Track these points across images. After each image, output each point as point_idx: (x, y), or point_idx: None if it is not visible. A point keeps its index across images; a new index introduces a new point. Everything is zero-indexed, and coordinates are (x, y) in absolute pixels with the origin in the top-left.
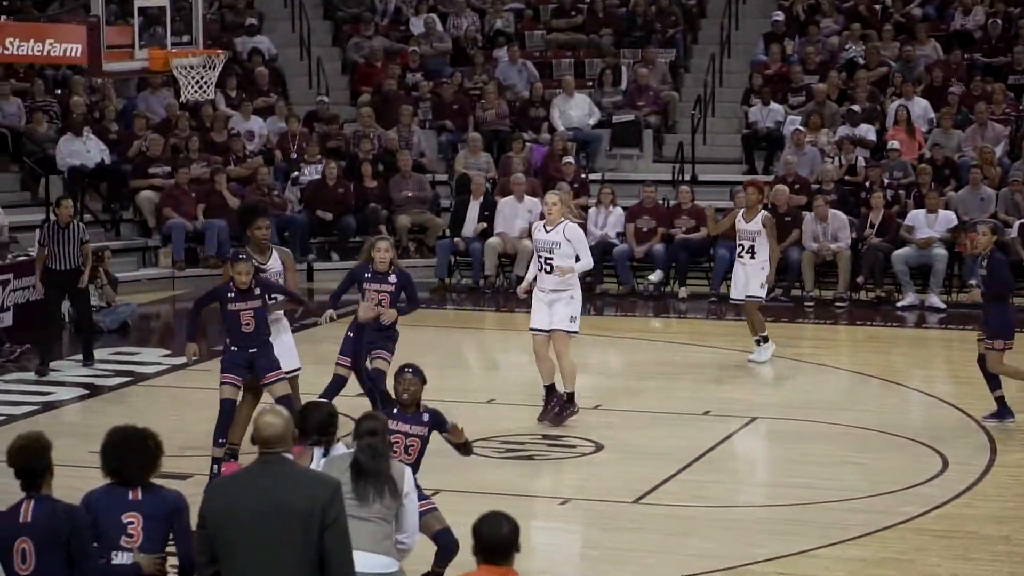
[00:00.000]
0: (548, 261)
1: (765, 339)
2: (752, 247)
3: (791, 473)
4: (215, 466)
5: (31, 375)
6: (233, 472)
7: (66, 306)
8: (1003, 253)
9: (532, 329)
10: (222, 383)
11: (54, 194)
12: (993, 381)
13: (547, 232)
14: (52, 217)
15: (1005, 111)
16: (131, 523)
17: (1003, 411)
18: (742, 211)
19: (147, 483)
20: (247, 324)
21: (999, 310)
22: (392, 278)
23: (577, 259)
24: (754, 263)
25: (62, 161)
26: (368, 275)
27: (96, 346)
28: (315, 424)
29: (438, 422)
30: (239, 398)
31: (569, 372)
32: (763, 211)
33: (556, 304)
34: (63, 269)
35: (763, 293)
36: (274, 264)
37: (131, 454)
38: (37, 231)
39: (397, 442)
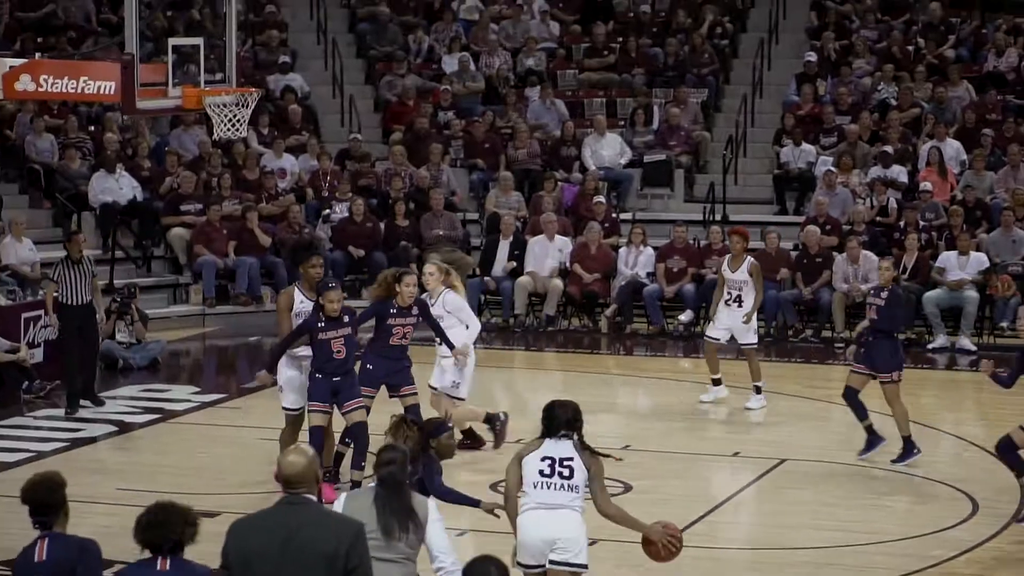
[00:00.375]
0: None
1: (759, 389)
2: (740, 296)
3: (820, 515)
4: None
5: (61, 411)
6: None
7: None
8: (902, 289)
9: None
10: (311, 411)
11: (87, 231)
12: (861, 410)
13: (431, 306)
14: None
15: None
16: None
17: (874, 440)
18: (727, 259)
19: (178, 554)
20: (338, 352)
21: (892, 346)
22: (414, 310)
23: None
24: (740, 311)
25: (94, 198)
26: (393, 311)
27: (126, 383)
28: (563, 420)
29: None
30: (328, 424)
31: (459, 418)
32: (749, 258)
33: (447, 368)
34: (77, 304)
35: (755, 339)
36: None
37: (170, 528)
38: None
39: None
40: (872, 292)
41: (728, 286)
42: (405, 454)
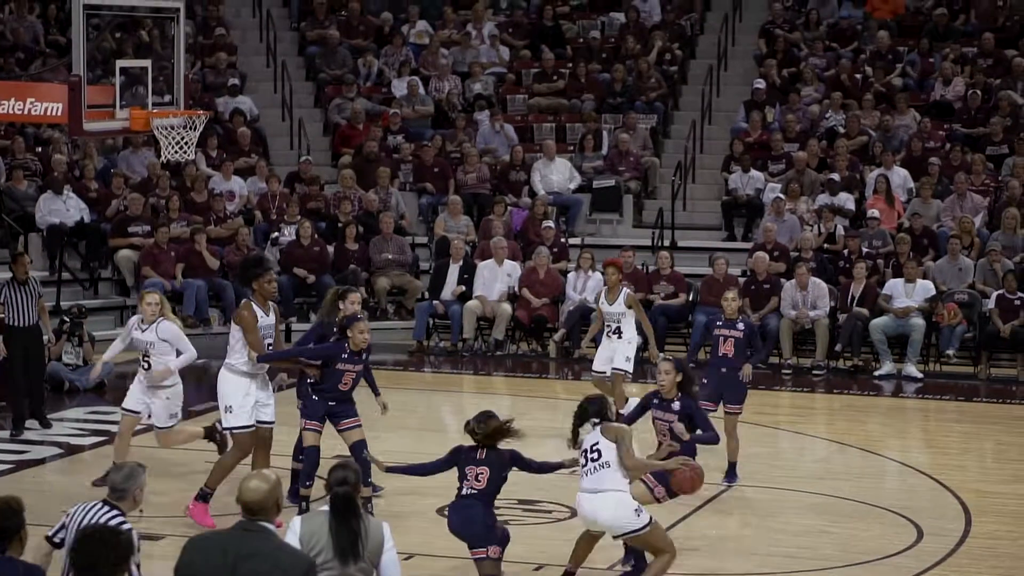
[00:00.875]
0: (146, 359)
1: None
2: (619, 328)
3: (767, 542)
4: (303, 503)
5: (6, 433)
6: (214, 531)
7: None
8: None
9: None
10: (306, 429)
11: (33, 253)
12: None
13: (143, 332)
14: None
15: (984, 182)
16: None
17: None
18: (604, 291)
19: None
20: (345, 384)
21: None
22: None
23: (179, 353)
24: (621, 341)
25: (41, 219)
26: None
27: (72, 405)
28: (595, 410)
29: None
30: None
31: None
32: (626, 289)
33: (155, 401)
34: (24, 326)
35: (629, 367)
36: (272, 318)
37: (103, 552)
38: None
39: None
40: (724, 324)
41: (606, 319)
42: (357, 473)
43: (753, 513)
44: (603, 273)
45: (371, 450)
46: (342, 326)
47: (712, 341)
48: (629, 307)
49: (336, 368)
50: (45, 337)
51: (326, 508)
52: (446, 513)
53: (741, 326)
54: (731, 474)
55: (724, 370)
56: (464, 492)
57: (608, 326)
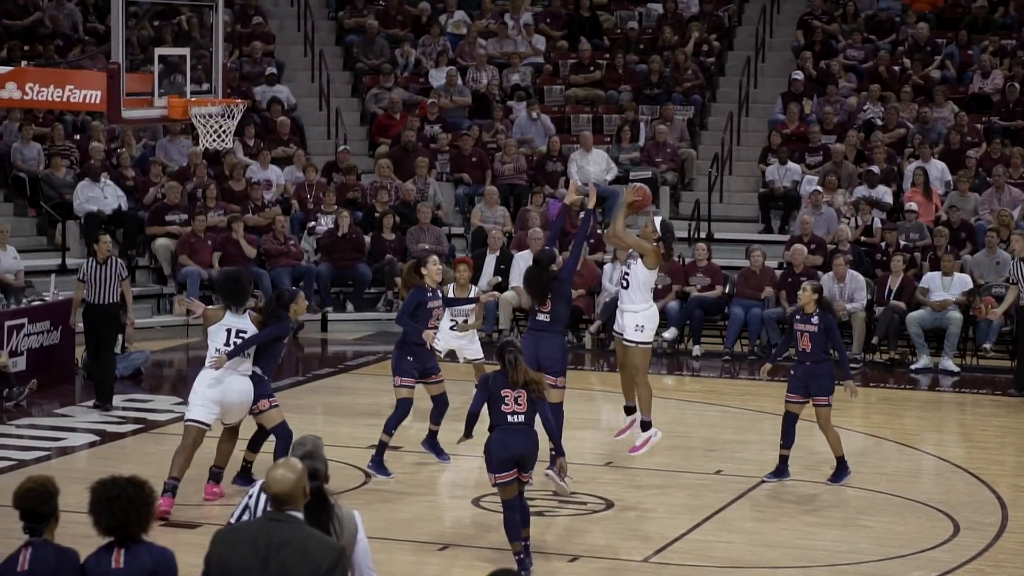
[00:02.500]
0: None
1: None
2: (466, 320)
3: (802, 535)
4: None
5: (43, 420)
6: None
7: (80, 351)
8: (829, 312)
9: None
10: (402, 386)
11: (71, 240)
12: (788, 438)
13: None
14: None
15: (1023, 175)
16: None
17: (783, 468)
18: (452, 287)
19: (139, 539)
20: (436, 321)
21: (827, 369)
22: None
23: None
24: (464, 335)
25: (79, 207)
26: (429, 293)
27: None
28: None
29: None
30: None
31: None
32: (475, 288)
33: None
34: (100, 303)
35: (482, 354)
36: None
37: (132, 508)
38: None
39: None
40: (801, 319)
41: (452, 314)
42: (326, 464)
43: (789, 506)
44: (456, 272)
45: (401, 439)
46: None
47: (793, 335)
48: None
49: (425, 310)
50: (127, 319)
51: None
52: (491, 442)
53: (816, 320)
54: (841, 470)
55: (808, 364)
56: (511, 420)
57: (454, 321)
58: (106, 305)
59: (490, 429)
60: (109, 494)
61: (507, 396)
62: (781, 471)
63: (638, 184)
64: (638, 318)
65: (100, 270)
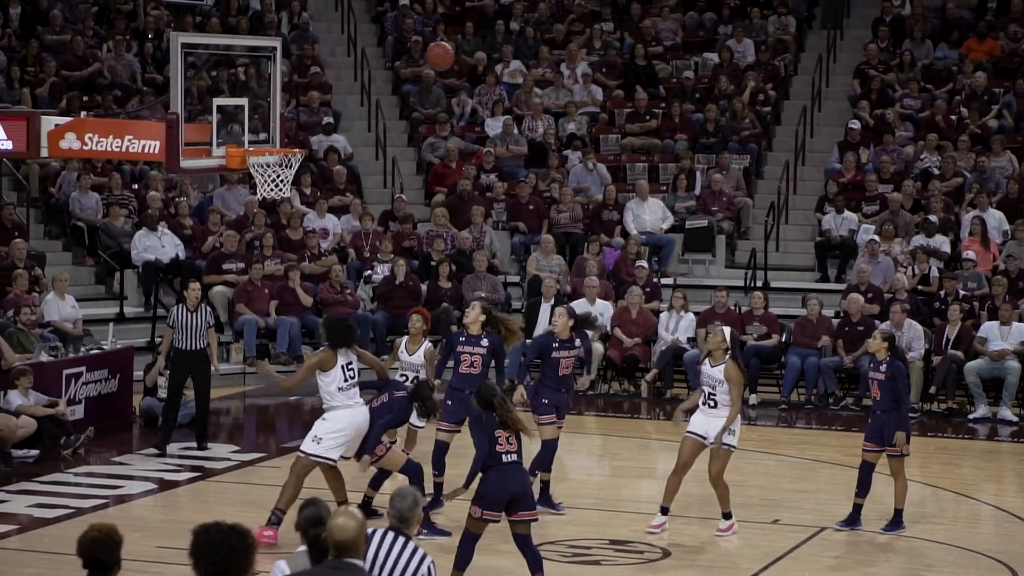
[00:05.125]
0: None
1: None
2: (416, 378)
3: None
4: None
5: (100, 468)
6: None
7: (138, 399)
8: (900, 360)
9: None
10: (546, 424)
11: (129, 289)
12: (864, 487)
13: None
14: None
15: None
16: None
17: (855, 517)
18: (406, 340)
19: None
20: (566, 368)
21: (901, 417)
22: (484, 341)
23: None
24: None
25: (137, 256)
26: (462, 338)
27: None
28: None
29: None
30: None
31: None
32: (427, 343)
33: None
34: (190, 350)
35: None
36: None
37: (232, 556)
38: (170, 312)
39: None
40: (872, 366)
41: (403, 367)
42: (328, 511)
43: (848, 556)
44: (410, 321)
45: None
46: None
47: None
48: (428, 360)
49: (552, 357)
50: (212, 366)
51: (304, 549)
52: (488, 480)
53: (884, 368)
54: (896, 522)
55: (879, 412)
56: (506, 459)
57: (404, 376)
58: (196, 351)
59: (483, 470)
60: (212, 540)
61: (500, 436)
62: (854, 519)
63: None
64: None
65: (190, 317)
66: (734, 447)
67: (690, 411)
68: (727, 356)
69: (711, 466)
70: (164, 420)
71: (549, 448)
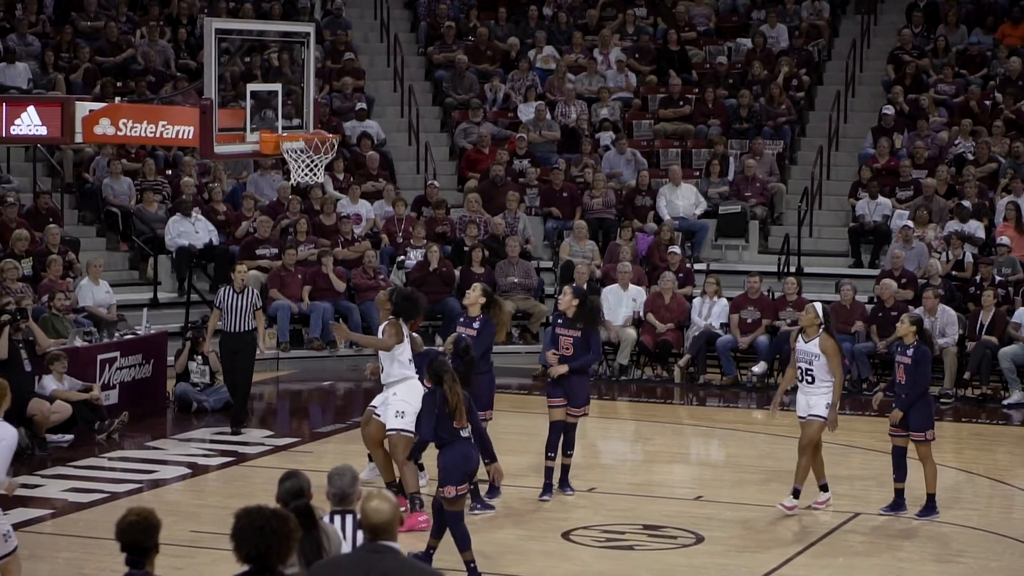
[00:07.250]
0: None
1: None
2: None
3: (893, 571)
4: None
5: (135, 452)
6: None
7: (170, 385)
8: (926, 344)
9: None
10: (555, 407)
11: (163, 274)
12: (900, 471)
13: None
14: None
15: None
16: None
17: (899, 502)
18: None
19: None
20: (566, 348)
21: (925, 403)
22: (476, 324)
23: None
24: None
25: (171, 241)
26: (461, 319)
27: (200, 425)
28: None
29: None
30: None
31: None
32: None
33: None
34: (236, 331)
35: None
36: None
37: (273, 539)
38: (216, 293)
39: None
40: (899, 350)
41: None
42: (308, 482)
43: (881, 541)
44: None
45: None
46: None
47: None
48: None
49: (555, 333)
50: (258, 348)
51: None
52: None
53: (911, 352)
54: (929, 507)
55: (903, 396)
56: (464, 434)
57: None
58: (242, 333)
59: (440, 446)
60: (255, 523)
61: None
62: (898, 504)
63: None
64: (826, 398)
65: (237, 299)
66: (823, 417)
67: (789, 393)
68: (821, 330)
69: (801, 437)
70: (232, 402)
71: (555, 430)
